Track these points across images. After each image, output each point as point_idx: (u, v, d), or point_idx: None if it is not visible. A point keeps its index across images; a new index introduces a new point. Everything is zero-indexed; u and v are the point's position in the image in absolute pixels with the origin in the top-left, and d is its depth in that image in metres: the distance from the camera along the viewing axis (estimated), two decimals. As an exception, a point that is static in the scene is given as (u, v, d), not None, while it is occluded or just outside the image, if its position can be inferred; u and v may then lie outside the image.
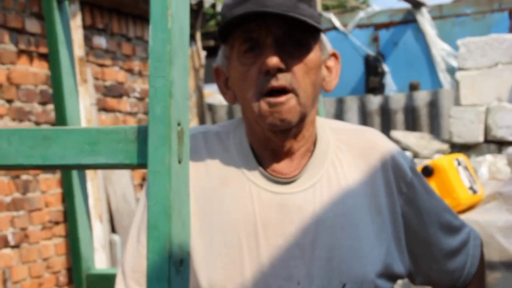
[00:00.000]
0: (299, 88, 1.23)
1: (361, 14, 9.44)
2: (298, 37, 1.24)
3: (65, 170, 1.92)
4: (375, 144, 1.34)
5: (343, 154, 1.32)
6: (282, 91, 1.22)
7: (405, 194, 1.34)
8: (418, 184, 1.36)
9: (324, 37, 1.30)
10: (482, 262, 1.48)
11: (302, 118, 1.26)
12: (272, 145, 1.29)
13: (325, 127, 1.35)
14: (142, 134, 0.98)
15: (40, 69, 4.31)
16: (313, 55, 1.26)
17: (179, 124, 0.98)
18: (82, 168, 1.02)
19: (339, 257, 1.26)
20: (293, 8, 1.22)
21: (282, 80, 1.22)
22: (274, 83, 1.22)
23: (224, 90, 1.32)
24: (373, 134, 1.36)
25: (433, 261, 1.40)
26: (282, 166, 1.30)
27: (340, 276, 1.25)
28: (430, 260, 1.39)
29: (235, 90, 1.29)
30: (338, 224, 1.27)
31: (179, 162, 0.97)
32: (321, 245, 1.26)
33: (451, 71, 8.67)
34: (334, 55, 1.34)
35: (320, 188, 1.28)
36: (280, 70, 1.22)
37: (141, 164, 0.98)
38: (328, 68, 1.33)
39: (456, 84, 5.35)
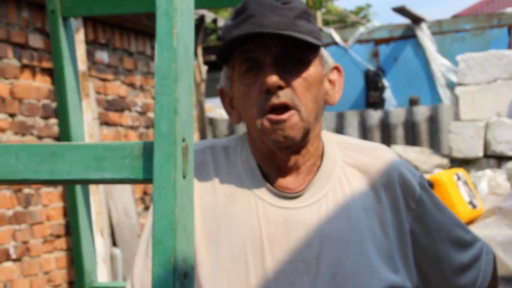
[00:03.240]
0: (301, 104, 1.24)
1: (361, 30, 9.49)
2: (296, 54, 1.25)
3: (70, 185, 1.94)
4: (382, 161, 1.33)
5: (350, 170, 1.32)
6: (284, 107, 1.24)
7: (414, 211, 1.33)
8: (428, 200, 1.35)
9: (324, 51, 1.31)
10: (495, 277, 1.47)
11: (306, 134, 1.27)
12: (277, 161, 1.30)
13: (332, 142, 1.35)
14: (147, 150, 1.00)
15: (42, 83, 4.34)
16: (313, 71, 1.27)
17: (184, 140, 1.00)
18: (88, 183, 1.04)
19: (344, 273, 1.26)
20: (290, 26, 1.24)
21: (283, 97, 1.23)
22: (275, 100, 1.23)
23: (230, 110, 1.34)
24: (382, 151, 1.35)
25: (443, 277, 1.39)
26: (288, 181, 1.30)
27: None
28: (440, 276, 1.39)
29: (239, 110, 1.31)
30: (343, 239, 1.27)
31: (184, 177, 0.99)
32: (325, 261, 1.26)
33: (451, 86, 8.71)
34: (336, 68, 1.34)
35: (325, 203, 1.29)
36: (280, 88, 1.24)
37: (147, 179, 1.00)
38: (330, 81, 1.33)
39: (455, 100, 5.38)
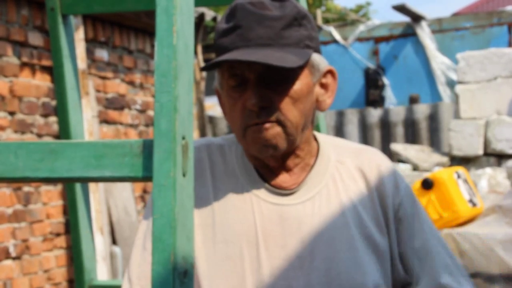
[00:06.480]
0: (285, 119, 1.24)
1: (361, 28, 9.49)
2: (280, 71, 1.24)
3: (69, 183, 1.94)
4: (375, 163, 1.36)
5: (344, 170, 1.35)
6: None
7: (397, 212, 1.35)
8: (409, 206, 1.36)
9: (315, 57, 1.29)
10: None
11: (291, 143, 1.27)
12: (268, 163, 1.32)
13: (328, 143, 1.38)
14: (147, 148, 0.99)
15: (42, 81, 4.34)
16: (299, 85, 1.25)
17: (183, 138, 1.00)
18: (88, 181, 1.04)
19: (338, 269, 1.29)
20: (275, 39, 1.22)
21: (265, 116, 1.24)
22: (257, 119, 1.24)
23: (225, 109, 1.35)
24: (374, 154, 1.39)
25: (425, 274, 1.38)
26: (282, 179, 1.33)
27: (338, 287, 1.28)
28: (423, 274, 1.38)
29: (227, 117, 1.32)
30: (336, 236, 1.30)
31: (184, 175, 0.99)
32: (319, 257, 1.29)
33: (451, 84, 8.71)
34: (330, 72, 1.33)
35: (319, 200, 1.31)
36: (264, 108, 1.24)
37: (146, 177, 0.99)
38: (323, 85, 1.32)
39: (455, 98, 5.37)
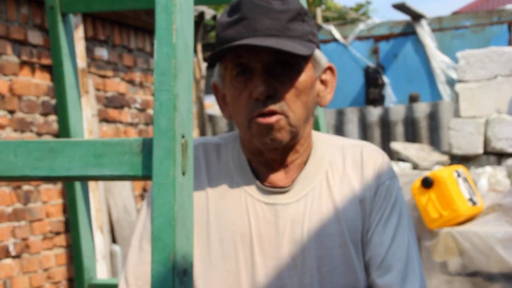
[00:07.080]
0: (289, 110, 1.25)
1: (361, 26, 9.48)
2: (287, 61, 1.25)
3: (69, 182, 1.93)
4: (368, 159, 1.35)
5: (337, 167, 1.35)
6: (272, 112, 1.25)
7: (371, 202, 1.33)
8: (381, 202, 1.34)
9: (318, 52, 1.31)
10: None
11: (294, 136, 1.28)
12: (266, 159, 1.32)
13: (322, 141, 1.38)
14: (147, 146, 0.99)
15: (42, 80, 4.33)
16: (304, 77, 1.27)
17: (183, 137, 1.00)
18: (87, 179, 1.03)
19: (330, 265, 1.29)
20: (282, 31, 1.24)
21: (271, 105, 1.24)
22: (263, 108, 1.24)
23: (222, 105, 1.35)
24: (368, 149, 1.37)
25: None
26: (277, 177, 1.33)
27: (331, 284, 1.29)
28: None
29: (230, 109, 1.32)
30: (328, 232, 1.30)
31: (183, 174, 0.99)
32: (311, 254, 1.29)
33: (451, 83, 8.71)
34: (330, 68, 1.35)
35: (311, 198, 1.31)
36: (269, 96, 1.24)
37: (146, 176, 0.99)
38: (323, 82, 1.34)
39: (455, 96, 5.37)
